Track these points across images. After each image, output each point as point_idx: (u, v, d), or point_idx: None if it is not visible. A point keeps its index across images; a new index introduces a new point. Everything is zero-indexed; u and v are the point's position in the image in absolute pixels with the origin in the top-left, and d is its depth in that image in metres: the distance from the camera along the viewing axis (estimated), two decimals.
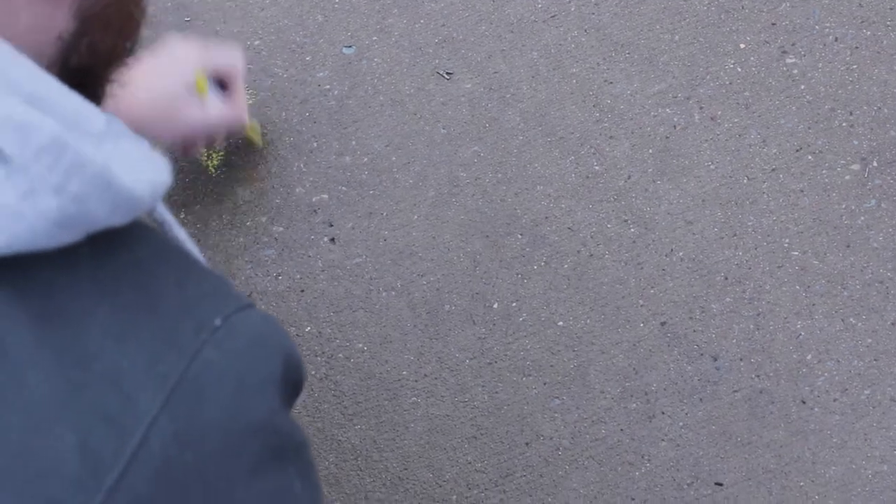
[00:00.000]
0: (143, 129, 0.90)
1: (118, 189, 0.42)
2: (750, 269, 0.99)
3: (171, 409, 0.41)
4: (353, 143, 1.03)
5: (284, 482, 0.47)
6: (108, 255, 0.45)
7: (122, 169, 0.43)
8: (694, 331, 0.98)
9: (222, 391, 0.43)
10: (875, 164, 1.02)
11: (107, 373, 0.41)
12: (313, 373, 0.99)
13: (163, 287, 0.45)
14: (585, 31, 1.07)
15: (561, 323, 0.99)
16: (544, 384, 0.97)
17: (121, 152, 0.45)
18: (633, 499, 0.94)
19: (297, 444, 0.48)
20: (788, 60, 1.06)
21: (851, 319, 0.97)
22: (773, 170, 1.02)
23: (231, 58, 0.95)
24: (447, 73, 1.07)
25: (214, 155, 1.03)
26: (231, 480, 0.43)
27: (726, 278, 0.99)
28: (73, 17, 0.46)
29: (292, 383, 0.49)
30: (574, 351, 0.98)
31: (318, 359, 0.99)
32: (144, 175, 0.44)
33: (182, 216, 1.04)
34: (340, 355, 0.99)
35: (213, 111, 0.92)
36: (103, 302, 0.43)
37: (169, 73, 0.90)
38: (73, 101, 0.44)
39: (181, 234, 0.61)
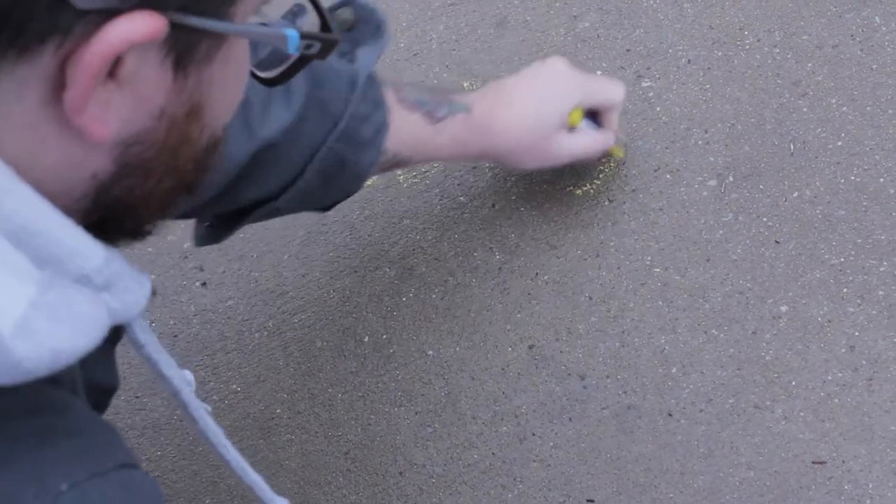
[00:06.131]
0: (506, 156, 0.93)
1: (4, 354, 0.39)
2: (613, 288, 1.02)
3: None
4: None
5: None
6: None
7: (32, 331, 0.39)
8: (561, 352, 1.00)
9: None
10: (731, 178, 1.05)
11: None
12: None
13: (20, 446, 0.43)
14: (447, 66, 1.10)
15: (431, 352, 1.01)
16: (416, 414, 0.99)
17: (57, 307, 0.40)
18: None
19: None
20: (644, 84, 1.09)
21: (714, 331, 1.00)
22: (633, 190, 1.05)
23: (611, 92, 0.96)
24: None
25: None
26: None
27: (591, 298, 1.01)
28: (112, 162, 0.43)
29: None
30: (444, 379, 1.00)
31: None
32: (54, 343, 0.40)
33: None
34: (215, 397, 1.00)
35: (581, 144, 0.94)
36: None
37: (546, 103, 0.92)
38: (70, 237, 0.42)
39: (158, 355, 0.59)
